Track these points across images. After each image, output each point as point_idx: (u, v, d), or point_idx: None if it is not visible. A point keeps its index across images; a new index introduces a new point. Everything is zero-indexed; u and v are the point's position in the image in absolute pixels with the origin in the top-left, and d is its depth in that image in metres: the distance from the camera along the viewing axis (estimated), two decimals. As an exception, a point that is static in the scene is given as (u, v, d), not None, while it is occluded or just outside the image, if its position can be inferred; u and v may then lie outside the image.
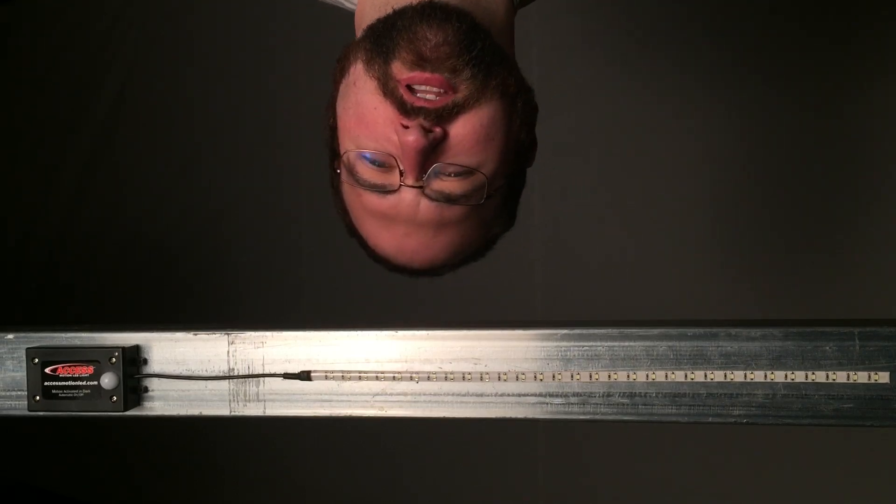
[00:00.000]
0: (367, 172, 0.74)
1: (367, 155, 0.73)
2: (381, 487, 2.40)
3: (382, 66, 0.71)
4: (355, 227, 0.81)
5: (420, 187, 0.72)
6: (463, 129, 0.71)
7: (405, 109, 0.70)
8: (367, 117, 0.73)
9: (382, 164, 0.73)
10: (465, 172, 0.73)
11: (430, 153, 0.71)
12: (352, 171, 0.75)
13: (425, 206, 0.73)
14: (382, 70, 0.71)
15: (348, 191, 0.78)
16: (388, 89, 0.71)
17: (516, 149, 0.77)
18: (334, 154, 0.79)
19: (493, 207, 0.78)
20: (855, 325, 0.70)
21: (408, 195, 0.73)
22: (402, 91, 0.70)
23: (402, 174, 0.72)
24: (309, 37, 2.43)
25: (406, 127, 0.70)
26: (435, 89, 0.70)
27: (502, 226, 0.83)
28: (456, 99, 0.70)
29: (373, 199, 0.75)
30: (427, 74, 0.70)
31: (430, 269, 0.80)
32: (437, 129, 0.70)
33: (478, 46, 0.70)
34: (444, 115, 0.70)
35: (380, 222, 0.76)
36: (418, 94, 0.71)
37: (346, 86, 0.76)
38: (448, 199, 0.73)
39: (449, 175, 0.72)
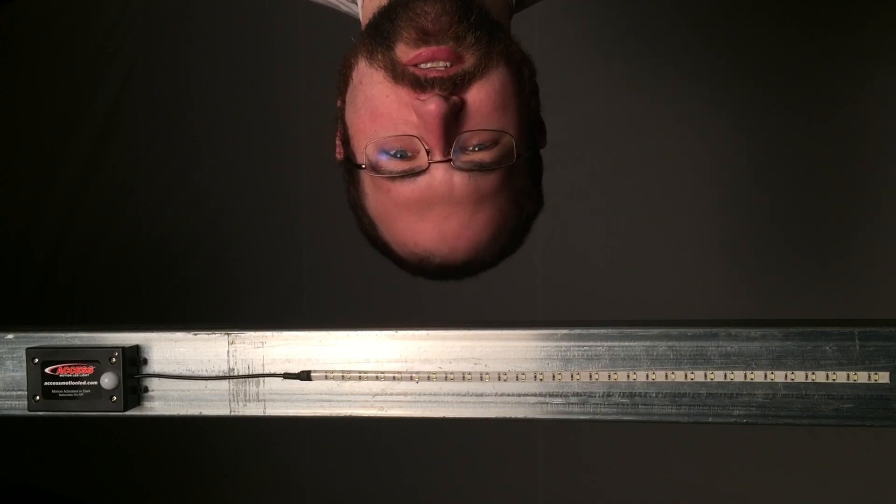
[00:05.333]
0: (392, 164, 0.72)
1: (390, 149, 0.72)
2: (381, 487, 2.40)
3: (386, 53, 0.71)
4: (387, 240, 0.78)
5: (449, 160, 0.71)
6: (478, 96, 0.71)
7: (419, 84, 0.70)
8: (381, 108, 0.72)
9: (405, 154, 0.71)
10: (491, 140, 0.72)
11: (453, 122, 0.70)
12: (376, 168, 0.73)
13: (459, 179, 0.71)
14: (387, 57, 0.71)
15: (375, 196, 0.76)
16: (397, 74, 0.71)
17: (530, 120, 0.76)
18: (351, 167, 0.77)
19: (522, 180, 0.77)
20: (855, 325, 0.70)
21: (439, 172, 0.71)
22: (413, 69, 0.70)
23: (428, 153, 0.71)
24: (309, 36, 2.43)
25: (423, 100, 0.69)
26: (443, 62, 0.70)
27: (534, 204, 0.81)
28: (465, 67, 0.70)
29: (404, 189, 0.73)
30: (433, 48, 0.70)
31: (474, 257, 0.77)
32: (454, 97, 0.70)
33: (475, 13, 0.71)
34: (457, 83, 0.70)
35: (415, 213, 0.74)
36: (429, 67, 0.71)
37: (352, 90, 0.75)
38: (480, 167, 0.71)
39: (475, 149, 0.71)
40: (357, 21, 0.88)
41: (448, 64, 0.70)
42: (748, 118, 1.79)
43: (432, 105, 0.68)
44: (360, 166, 0.75)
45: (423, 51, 0.70)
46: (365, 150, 0.73)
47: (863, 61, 1.64)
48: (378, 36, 0.72)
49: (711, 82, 1.82)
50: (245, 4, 2.63)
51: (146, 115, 2.89)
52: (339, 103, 0.79)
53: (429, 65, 0.70)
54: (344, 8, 0.92)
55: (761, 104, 1.77)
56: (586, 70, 1.95)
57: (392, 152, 0.72)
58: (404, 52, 0.70)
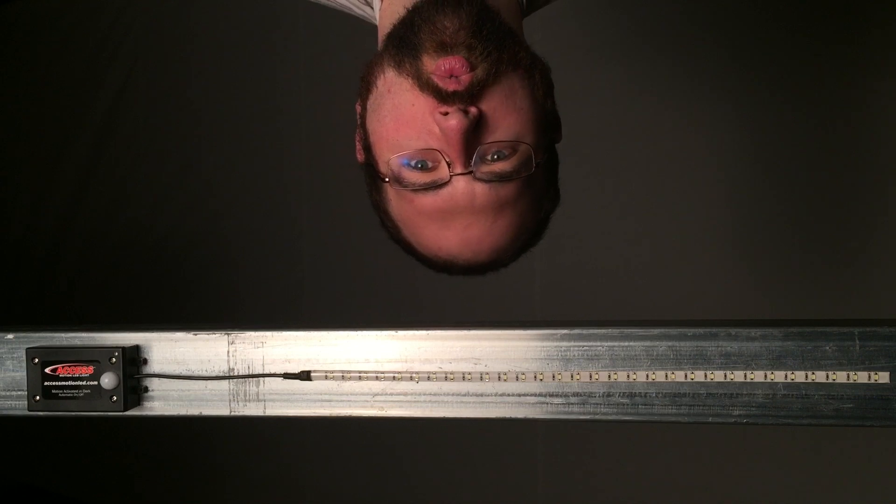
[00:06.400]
0: (414, 176, 0.75)
1: (412, 160, 0.75)
2: (381, 487, 2.40)
3: (413, 62, 0.74)
4: (411, 242, 0.82)
5: (470, 172, 0.74)
6: (492, 104, 0.74)
7: (442, 96, 0.73)
8: (406, 115, 0.75)
9: (426, 164, 0.75)
10: (510, 149, 0.75)
11: (472, 136, 0.73)
12: (399, 180, 0.76)
13: (480, 190, 0.75)
14: (415, 67, 0.74)
15: (398, 204, 0.79)
16: (423, 82, 0.73)
17: (546, 120, 0.80)
18: (375, 175, 0.80)
19: (540, 182, 0.80)
20: (855, 325, 0.70)
21: (460, 184, 0.74)
22: (437, 80, 0.73)
23: (450, 165, 0.74)
24: (310, 36, 2.43)
25: (445, 114, 0.73)
26: (459, 68, 0.73)
27: (551, 202, 0.85)
28: (477, 74, 0.73)
29: (426, 200, 0.76)
30: (450, 59, 0.73)
31: (496, 259, 0.81)
32: (473, 109, 0.73)
33: (487, 26, 0.73)
34: (473, 94, 0.73)
35: (438, 222, 0.77)
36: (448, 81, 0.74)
37: (376, 98, 0.78)
38: (500, 177, 0.75)
39: (495, 159, 0.74)
40: (367, 24, 0.89)
41: (464, 70, 0.73)
42: (749, 119, 1.79)
43: (453, 121, 0.72)
44: (384, 179, 0.78)
45: (442, 61, 0.73)
46: (388, 162, 0.76)
47: (872, 63, 1.64)
48: (405, 47, 0.75)
49: (712, 84, 1.82)
50: (245, 4, 2.63)
51: (146, 115, 2.89)
52: (358, 108, 0.82)
53: (450, 76, 0.73)
54: (357, 11, 0.94)
55: (762, 105, 1.77)
56: (587, 71, 1.95)
57: (413, 163, 0.75)
58: (429, 62, 0.74)
